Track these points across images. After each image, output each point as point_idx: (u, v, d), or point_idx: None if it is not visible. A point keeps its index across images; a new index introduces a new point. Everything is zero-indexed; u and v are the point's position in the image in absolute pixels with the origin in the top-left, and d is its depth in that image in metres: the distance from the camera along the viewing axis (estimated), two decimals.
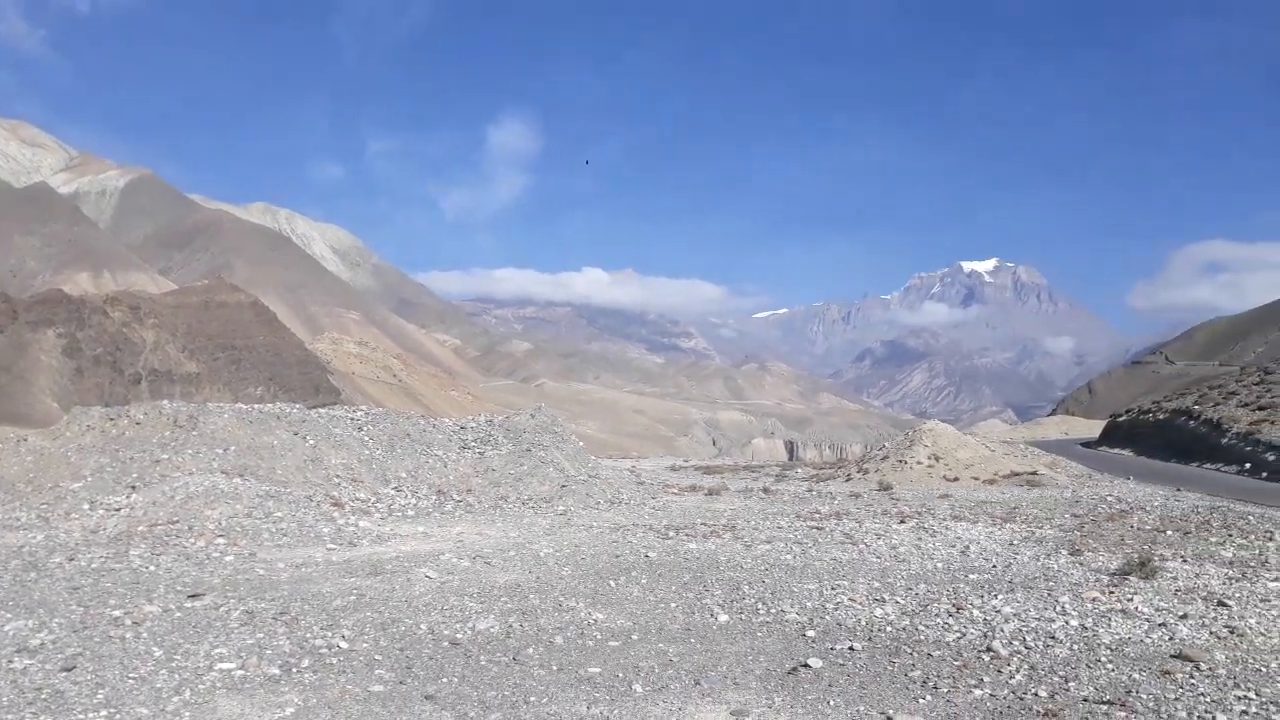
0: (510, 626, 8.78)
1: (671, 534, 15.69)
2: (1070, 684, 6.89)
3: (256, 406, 22.78)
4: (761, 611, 9.52)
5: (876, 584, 10.96)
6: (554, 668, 7.54)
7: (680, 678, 7.30)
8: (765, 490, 26.58)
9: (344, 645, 7.99)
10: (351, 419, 23.00)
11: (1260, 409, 40.05)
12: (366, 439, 21.59)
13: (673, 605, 9.79)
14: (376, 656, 7.74)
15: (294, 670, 7.33)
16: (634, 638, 8.50)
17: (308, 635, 8.23)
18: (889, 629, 8.75)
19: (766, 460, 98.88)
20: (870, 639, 8.39)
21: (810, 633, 8.63)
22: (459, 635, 8.45)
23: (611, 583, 10.90)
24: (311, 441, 20.05)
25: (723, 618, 9.24)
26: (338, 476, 18.94)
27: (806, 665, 7.50)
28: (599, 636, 8.51)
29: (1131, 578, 11.05)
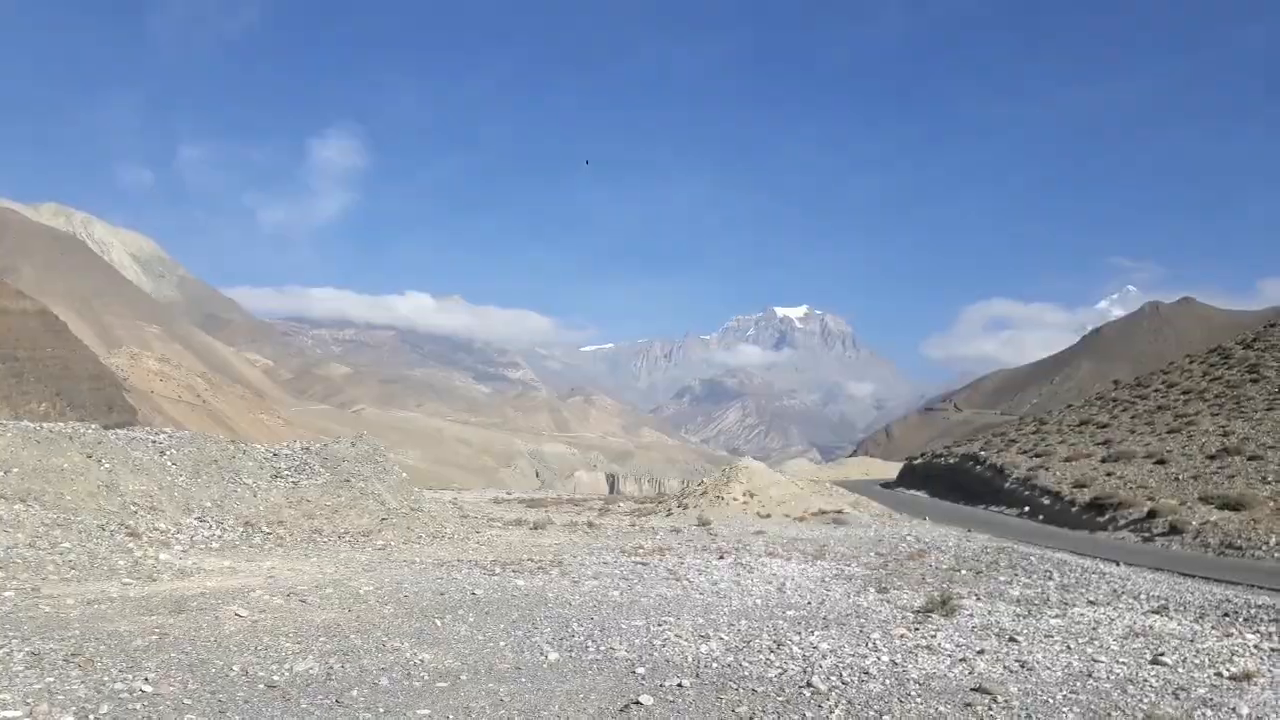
0: (331, 668, 8.34)
1: (498, 570, 15.43)
2: (884, 718, 7.21)
3: (45, 425, 20.84)
4: (591, 649, 9.47)
5: (701, 620, 11.15)
6: (380, 710, 7.22)
7: (513, 719, 7.14)
8: (590, 524, 26.61)
9: (147, 689, 7.35)
10: (154, 442, 21.40)
11: (1036, 456, 43.64)
12: (169, 464, 20.12)
13: (502, 644, 9.59)
14: (185, 700, 7.16)
15: (91, 717, 6.67)
16: (463, 678, 8.26)
17: (105, 678, 7.51)
18: (715, 665, 8.90)
19: (589, 493, 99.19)
20: (698, 675, 8.50)
21: (640, 670, 8.66)
22: (276, 678, 7.95)
23: (437, 621, 10.58)
24: (107, 465, 18.49)
25: (553, 656, 9.13)
26: (135, 504, 17.52)
27: (638, 703, 7.51)
28: (426, 677, 8.22)
29: (934, 615, 11.73)
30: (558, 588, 13.57)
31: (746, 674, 8.59)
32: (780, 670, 8.72)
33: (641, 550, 19.61)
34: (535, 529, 24.65)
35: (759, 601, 12.85)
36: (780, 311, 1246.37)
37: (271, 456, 23.34)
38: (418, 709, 7.27)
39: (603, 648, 9.52)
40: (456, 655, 9.05)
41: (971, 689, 8.11)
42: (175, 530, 17.03)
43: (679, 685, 8.09)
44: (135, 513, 17.16)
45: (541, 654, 9.21)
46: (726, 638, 10.15)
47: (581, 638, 9.95)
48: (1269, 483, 27.91)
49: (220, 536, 17.36)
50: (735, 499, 33.57)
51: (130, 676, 7.62)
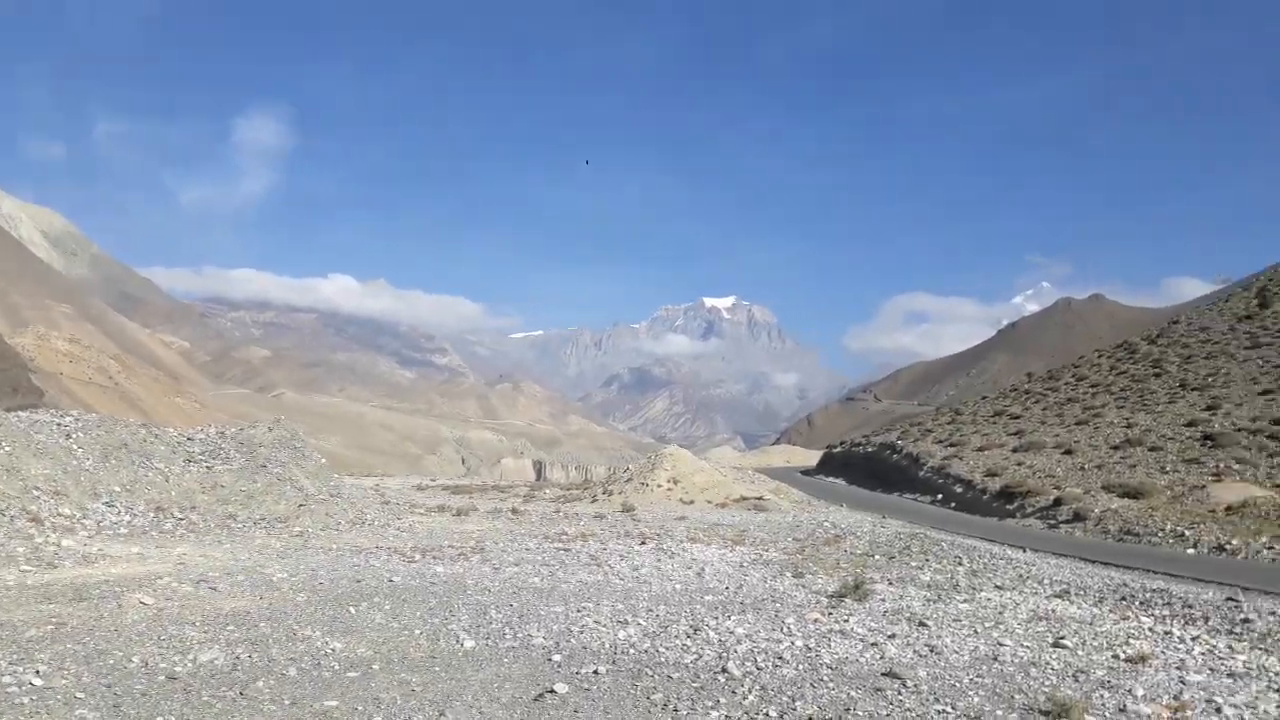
0: (237, 658, 8.09)
1: (418, 557, 15.19)
2: (797, 703, 7.26)
3: None
4: (508, 636, 9.36)
5: (620, 606, 11.12)
6: (286, 702, 7.01)
7: (424, 709, 7.00)
8: (514, 511, 26.40)
9: (38, 682, 7.02)
10: (59, 424, 20.53)
11: (951, 445, 44.73)
12: (76, 447, 19.32)
13: (417, 632, 9.42)
14: (78, 694, 6.85)
15: None
16: (375, 667, 8.08)
17: None
18: (632, 651, 8.88)
19: (515, 480, 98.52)
20: (614, 662, 8.46)
21: (556, 657, 8.59)
22: (177, 669, 7.67)
23: (352, 609, 10.35)
24: (8, 448, 17.67)
25: (469, 644, 9.00)
26: (38, 489, 16.78)
27: (552, 691, 7.43)
28: (336, 667, 8.02)
29: (847, 600, 11.91)
30: (478, 574, 13.41)
31: (663, 660, 8.58)
32: (696, 656, 8.74)
33: (564, 536, 19.53)
34: (458, 515, 24.37)
35: (678, 587, 12.89)
36: (709, 302, 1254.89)
37: (185, 441, 22.61)
38: (325, 700, 7.08)
39: (520, 635, 9.43)
40: (370, 644, 8.86)
41: (882, 673, 8.23)
42: (81, 515, 16.37)
43: (595, 672, 8.05)
44: (37, 497, 16.44)
45: (457, 642, 9.08)
46: (645, 623, 10.14)
47: (499, 625, 9.84)
48: (1167, 472, 29.06)
49: (129, 522, 16.75)
50: (660, 486, 33.69)
51: (20, 669, 7.28)
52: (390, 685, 7.54)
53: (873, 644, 9.40)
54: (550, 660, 8.49)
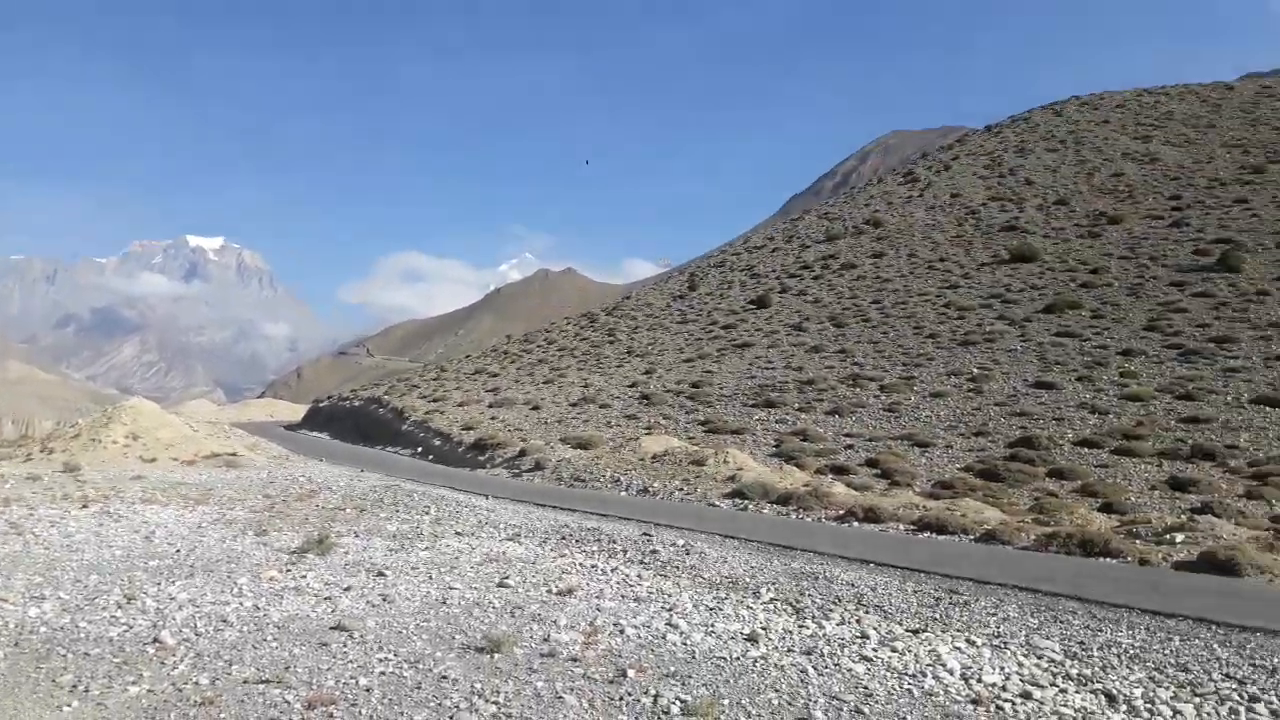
0: None
1: None
2: (234, 667, 6.80)
3: None
4: None
5: (39, 579, 9.54)
6: None
7: None
8: None
9: None
10: None
11: (434, 401, 45.82)
12: None
13: None
14: None
15: None
16: None
17: None
18: (43, 630, 7.63)
19: None
20: (17, 644, 7.20)
21: None
22: None
23: None
24: None
25: None
26: None
27: None
28: None
29: (309, 555, 11.54)
30: None
31: (83, 635, 7.51)
32: (126, 627, 7.78)
33: None
34: None
35: (119, 553, 11.42)
36: (194, 241, 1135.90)
37: None
38: None
39: None
40: None
41: (331, 627, 8.08)
42: None
43: None
44: None
45: None
46: (67, 596, 8.80)
47: None
48: (612, 426, 32.83)
49: None
50: (115, 442, 29.66)
51: None
52: None
53: (327, 598, 9.20)
54: None
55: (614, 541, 13.96)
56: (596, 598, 9.81)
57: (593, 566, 11.78)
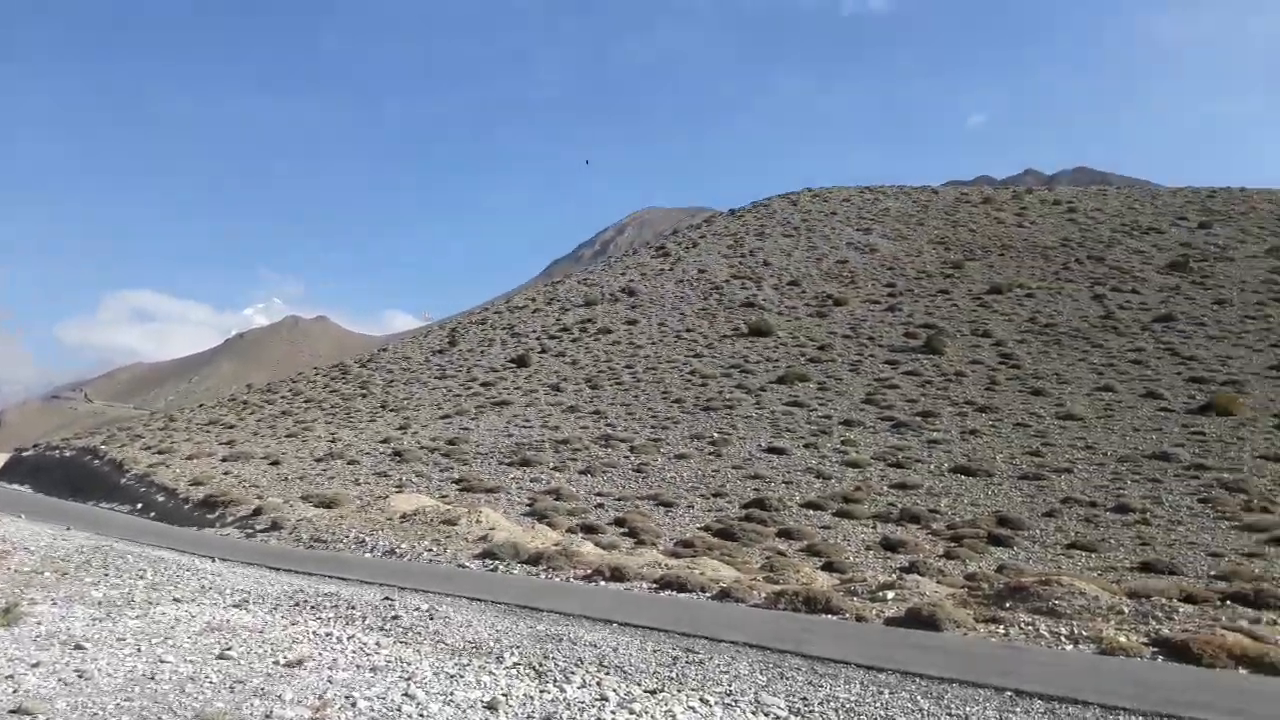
0: None
1: None
2: None
3: None
4: None
5: None
6: None
7: None
8: None
9: None
10: None
11: (160, 452, 41.76)
12: None
13: None
14: None
15: None
16: None
17: None
18: None
19: None
20: None
21: None
22: None
23: None
24: None
25: None
26: None
27: None
28: None
29: None
30: None
31: None
32: None
33: None
34: None
35: None
36: None
37: None
38: None
39: None
40: None
41: (10, 710, 6.98)
42: None
43: None
44: None
45: None
46: None
47: None
48: (360, 484, 31.33)
49: None
50: None
51: None
52: None
53: (8, 676, 7.97)
54: None
55: (353, 607, 13.18)
56: (329, 668, 9.16)
57: (327, 634, 11.02)
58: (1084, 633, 12.20)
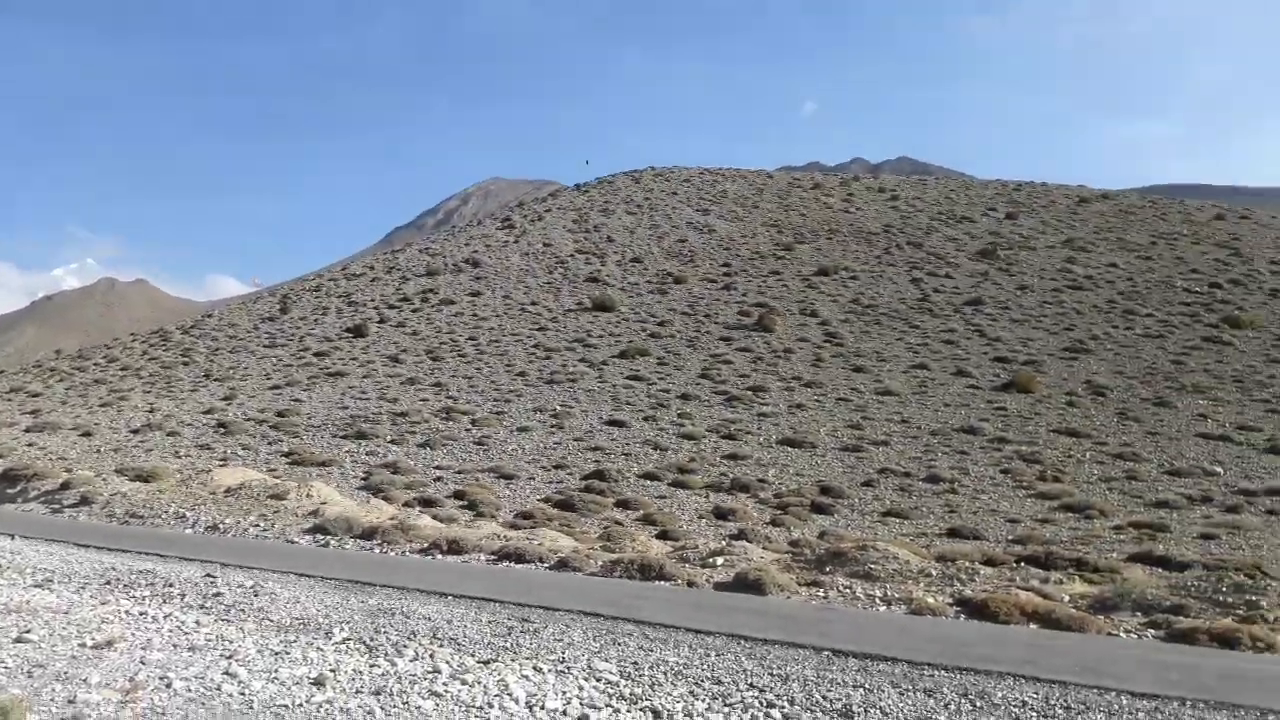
0: None
1: None
2: None
3: None
4: None
5: None
6: None
7: None
8: None
9: None
10: None
11: None
12: None
13: None
14: None
15: None
16: None
17: None
18: None
19: None
20: None
21: None
22: None
23: None
24: None
25: None
26: None
27: None
28: None
29: None
30: None
31: None
32: None
33: None
34: None
35: None
36: None
37: None
38: None
39: None
40: None
41: None
42: None
43: None
44: None
45: None
46: None
47: None
48: (181, 457, 29.49)
49: None
50: None
51: None
52: None
53: None
54: None
55: (171, 585, 12.43)
56: (142, 649, 8.62)
57: (141, 614, 10.36)
58: (896, 595, 13.03)
